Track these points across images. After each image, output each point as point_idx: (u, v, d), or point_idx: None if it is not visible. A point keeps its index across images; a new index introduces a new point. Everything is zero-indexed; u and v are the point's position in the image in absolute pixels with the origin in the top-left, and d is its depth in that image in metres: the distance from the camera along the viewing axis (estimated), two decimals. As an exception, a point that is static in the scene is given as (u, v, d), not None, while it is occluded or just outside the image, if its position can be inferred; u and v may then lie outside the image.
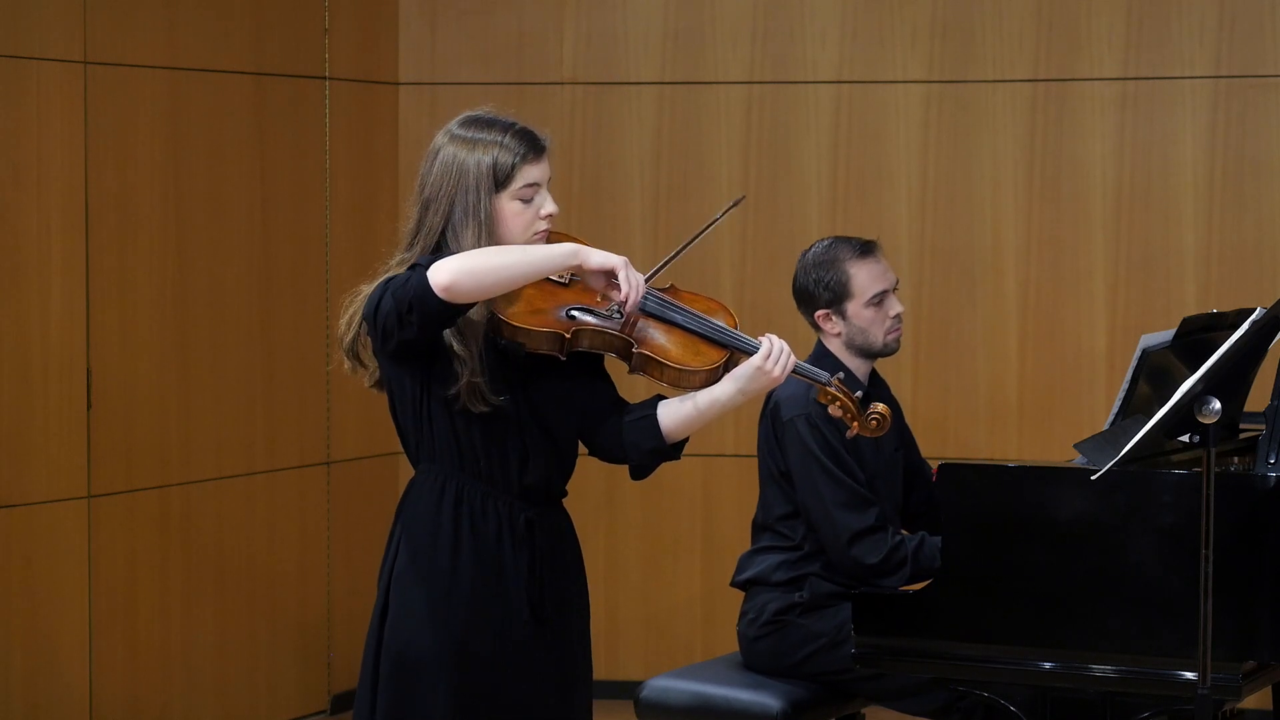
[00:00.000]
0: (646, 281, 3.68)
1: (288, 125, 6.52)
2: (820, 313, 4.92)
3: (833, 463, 4.78)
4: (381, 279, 3.65)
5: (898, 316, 4.92)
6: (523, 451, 3.71)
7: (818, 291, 4.90)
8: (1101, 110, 6.70)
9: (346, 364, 3.78)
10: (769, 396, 4.93)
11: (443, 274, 3.49)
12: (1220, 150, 6.64)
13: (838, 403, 3.78)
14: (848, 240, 4.95)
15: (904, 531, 4.89)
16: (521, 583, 3.71)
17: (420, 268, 3.54)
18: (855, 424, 3.78)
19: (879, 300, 4.89)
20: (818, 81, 6.84)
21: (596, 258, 3.59)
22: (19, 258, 5.75)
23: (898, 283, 4.96)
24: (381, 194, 6.81)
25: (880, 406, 3.79)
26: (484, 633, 3.69)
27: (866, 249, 4.93)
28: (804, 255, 4.97)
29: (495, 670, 3.70)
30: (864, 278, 4.89)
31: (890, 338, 4.92)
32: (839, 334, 4.91)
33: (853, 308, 4.88)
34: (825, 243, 4.97)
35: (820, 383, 3.77)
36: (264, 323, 6.44)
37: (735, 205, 3.97)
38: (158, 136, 6.10)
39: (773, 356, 3.69)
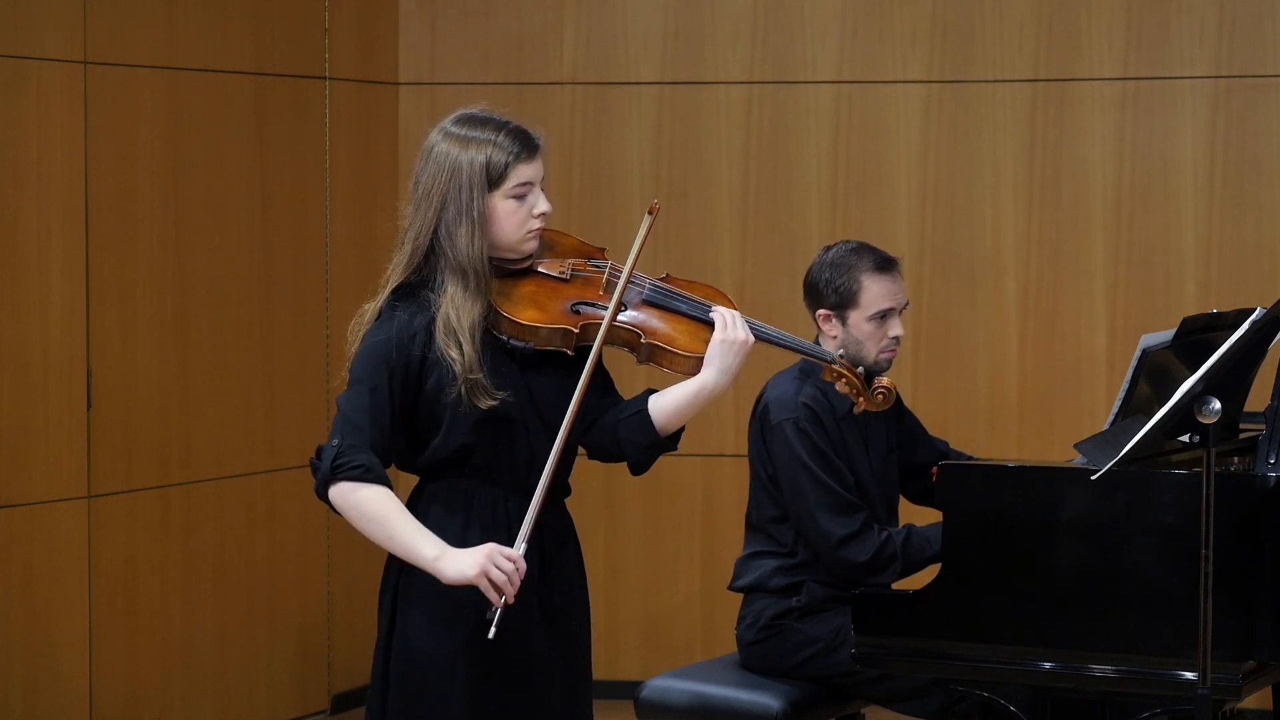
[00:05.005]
0: (622, 281, 3.65)
1: (288, 125, 6.51)
2: (822, 312, 4.90)
3: (820, 467, 4.77)
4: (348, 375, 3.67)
5: (896, 338, 4.88)
6: (529, 452, 3.69)
7: (826, 291, 4.89)
8: (1101, 110, 6.70)
9: None
10: (759, 398, 4.93)
11: (334, 500, 3.59)
12: (1220, 150, 6.64)
13: (843, 379, 3.84)
14: (871, 251, 4.91)
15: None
16: (532, 585, 3.69)
17: (321, 472, 3.59)
18: (861, 399, 3.85)
19: (882, 317, 4.86)
20: (818, 81, 6.84)
21: (451, 572, 3.55)
22: (19, 258, 5.74)
23: (907, 304, 4.93)
24: (381, 194, 6.81)
25: (885, 380, 3.85)
26: (496, 637, 3.65)
27: (886, 265, 4.89)
28: (824, 251, 4.95)
29: (508, 674, 3.68)
30: (875, 292, 4.85)
31: (883, 357, 4.87)
32: (835, 338, 4.88)
33: (854, 317, 4.86)
34: (849, 246, 4.94)
35: (825, 360, 3.84)
36: (264, 323, 6.43)
37: (653, 218, 3.76)
38: (158, 136, 6.10)
39: (721, 325, 3.69)
